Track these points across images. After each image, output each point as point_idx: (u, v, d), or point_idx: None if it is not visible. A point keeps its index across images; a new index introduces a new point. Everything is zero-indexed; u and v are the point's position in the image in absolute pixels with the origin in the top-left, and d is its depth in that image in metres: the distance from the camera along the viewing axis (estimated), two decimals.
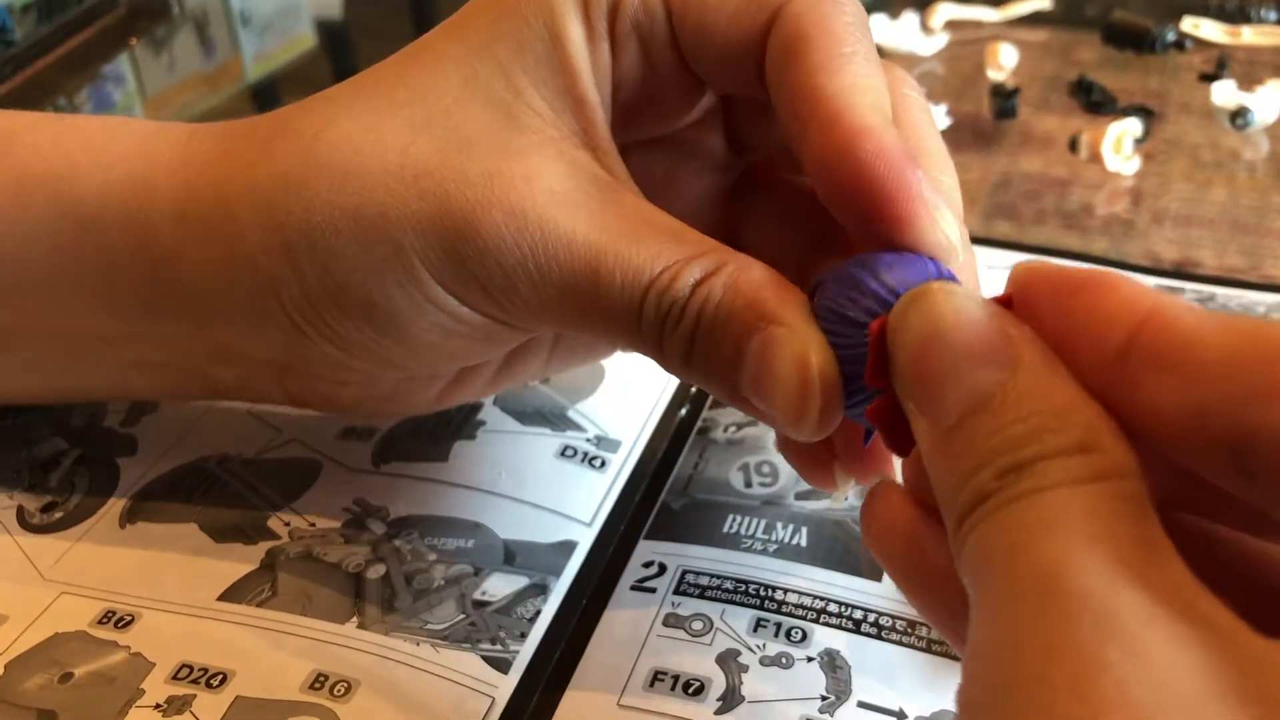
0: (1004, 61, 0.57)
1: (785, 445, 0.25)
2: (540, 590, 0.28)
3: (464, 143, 0.23)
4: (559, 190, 0.23)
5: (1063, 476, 0.16)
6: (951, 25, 0.63)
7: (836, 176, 0.21)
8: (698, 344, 0.22)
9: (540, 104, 0.24)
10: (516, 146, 0.23)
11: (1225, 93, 0.55)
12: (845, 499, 0.28)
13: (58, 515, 0.31)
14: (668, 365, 0.23)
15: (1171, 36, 0.61)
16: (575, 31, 0.24)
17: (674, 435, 0.33)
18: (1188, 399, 0.16)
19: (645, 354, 0.24)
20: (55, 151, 0.27)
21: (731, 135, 0.28)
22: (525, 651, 0.27)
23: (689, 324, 0.22)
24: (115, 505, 0.31)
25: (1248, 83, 0.56)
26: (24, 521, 0.31)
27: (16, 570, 0.29)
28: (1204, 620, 0.14)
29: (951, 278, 0.20)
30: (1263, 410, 0.15)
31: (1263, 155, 0.53)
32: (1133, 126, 0.52)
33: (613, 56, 0.25)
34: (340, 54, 1.29)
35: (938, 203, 0.21)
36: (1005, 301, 0.18)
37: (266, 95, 1.06)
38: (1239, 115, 0.54)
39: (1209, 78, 0.57)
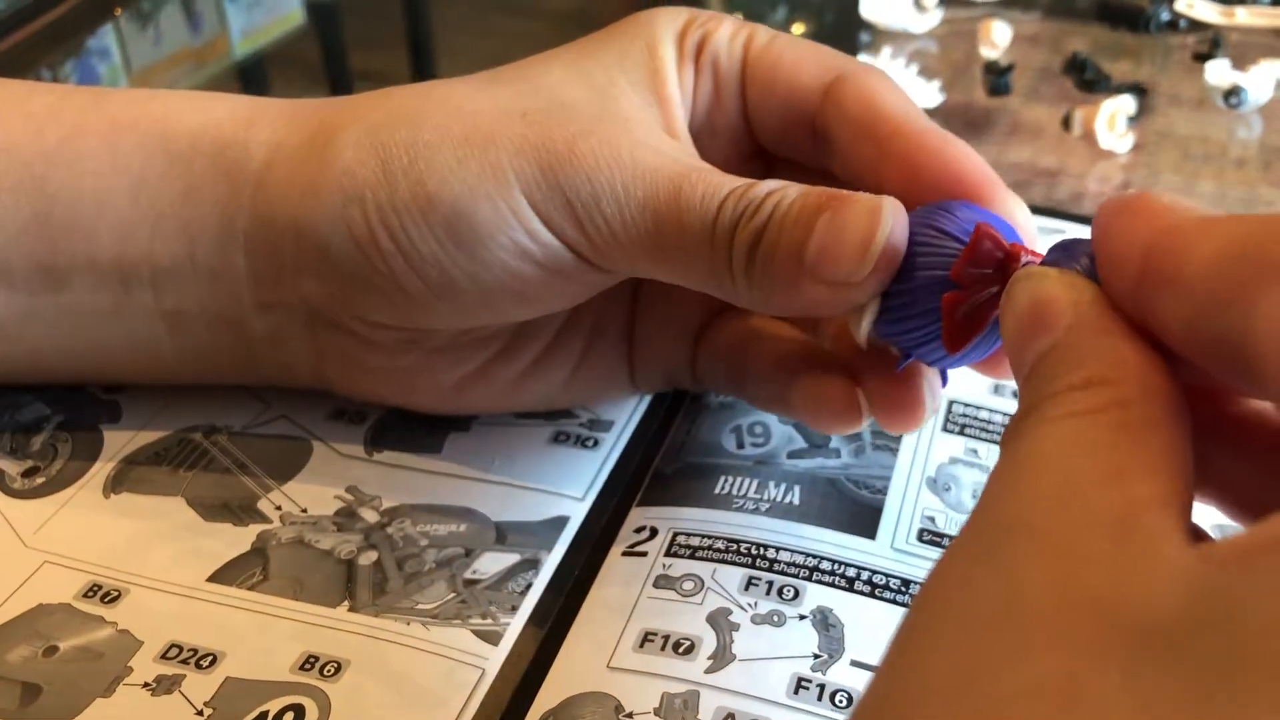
0: (997, 39, 0.57)
1: (806, 391, 0.27)
2: (532, 565, 0.28)
3: (566, 103, 0.27)
4: (645, 136, 0.26)
5: (1063, 410, 0.17)
6: (945, 2, 0.62)
7: (928, 173, 0.25)
8: (768, 233, 0.24)
9: (632, 95, 0.27)
10: (610, 111, 0.27)
11: (1219, 72, 0.55)
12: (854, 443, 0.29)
13: (40, 481, 0.31)
14: (731, 269, 0.25)
15: (1165, 16, 0.61)
16: (669, 50, 0.28)
17: (668, 408, 0.33)
18: (1180, 314, 0.17)
19: (708, 272, 0.25)
20: (152, 102, 0.30)
21: None
22: (516, 624, 0.27)
23: (761, 218, 0.24)
24: (100, 472, 0.31)
25: (1241, 63, 0.56)
26: (4, 486, 0.30)
27: None
28: (1131, 533, 0.15)
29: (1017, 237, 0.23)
30: (1244, 313, 0.15)
31: (1255, 135, 0.52)
32: (1126, 104, 0.52)
33: (695, 84, 0.28)
34: (330, 32, 1.28)
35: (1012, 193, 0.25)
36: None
37: (254, 73, 1.05)
38: (1233, 94, 0.53)
39: (1203, 57, 0.57)
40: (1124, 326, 0.18)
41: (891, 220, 0.23)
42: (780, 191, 0.25)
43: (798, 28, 0.66)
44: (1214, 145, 0.52)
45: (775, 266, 0.24)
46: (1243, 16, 0.62)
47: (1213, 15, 0.62)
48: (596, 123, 0.26)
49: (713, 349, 0.31)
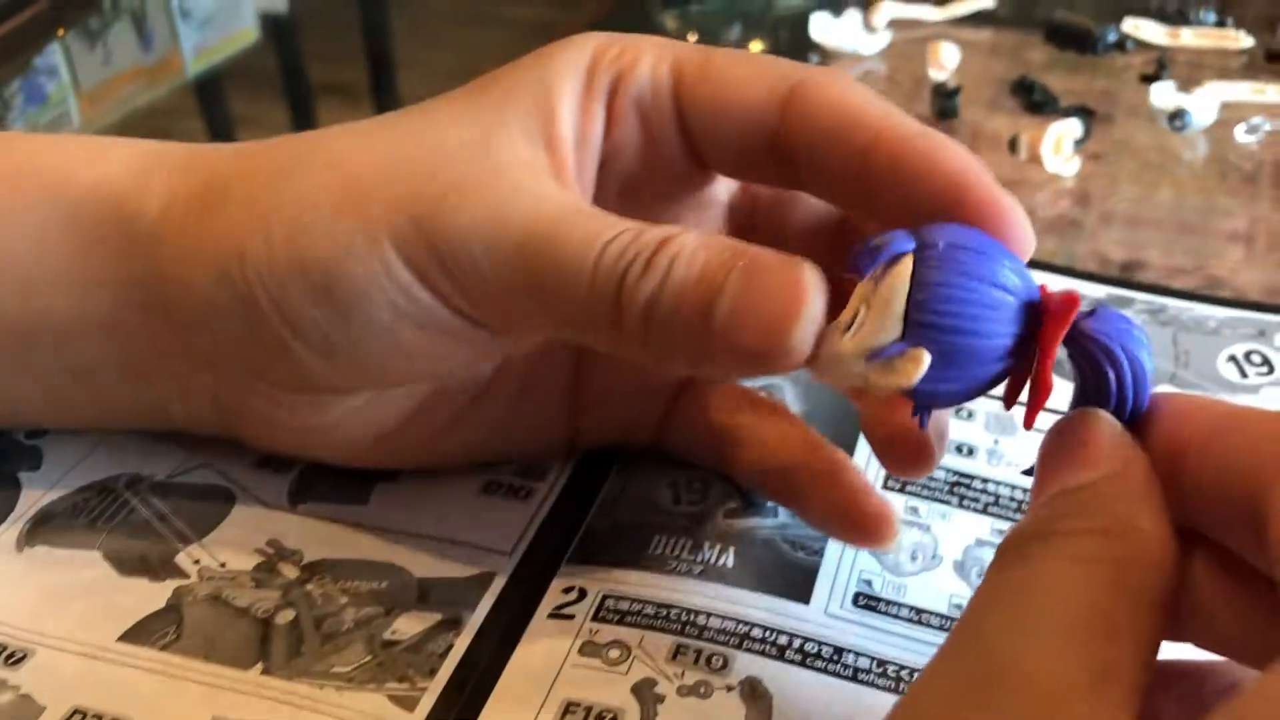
0: (945, 61, 0.57)
1: (825, 505, 0.27)
2: (453, 625, 0.27)
3: (446, 147, 0.25)
4: (525, 182, 0.24)
5: (1078, 551, 0.18)
6: (894, 24, 0.62)
7: (919, 186, 0.23)
8: (665, 293, 0.22)
9: (519, 137, 0.25)
10: (492, 154, 0.25)
11: (1164, 94, 0.55)
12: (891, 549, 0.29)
13: None
14: (622, 330, 0.23)
15: (1113, 37, 0.61)
16: (569, 87, 0.25)
17: (603, 458, 0.32)
18: (1214, 487, 0.19)
19: (594, 329, 0.23)
20: (53, 153, 0.29)
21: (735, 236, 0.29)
22: (434, 689, 0.26)
23: (655, 276, 0.22)
24: (14, 525, 0.30)
25: (1188, 84, 0.56)
26: None
27: None
28: (1103, 697, 0.16)
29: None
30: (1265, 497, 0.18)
31: (1200, 158, 0.52)
32: (1072, 128, 0.52)
33: (609, 125, 0.26)
34: (287, 47, 1.26)
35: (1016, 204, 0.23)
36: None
37: (210, 90, 1.03)
38: (1177, 117, 0.54)
39: (1149, 79, 0.57)
40: (1159, 500, 0.19)
41: (814, 289, 0.21)
42: (676, 242, 0.22)
43: (755, 45, 0.66)
44: (1170, 153, 0.52)
45: (677, 333, 0.22)
46: (1188, 38, 0.62)
47: (1159, 36, 0.62)
48: (473, 170, 0.24)
49: (692, 419, 0.30)
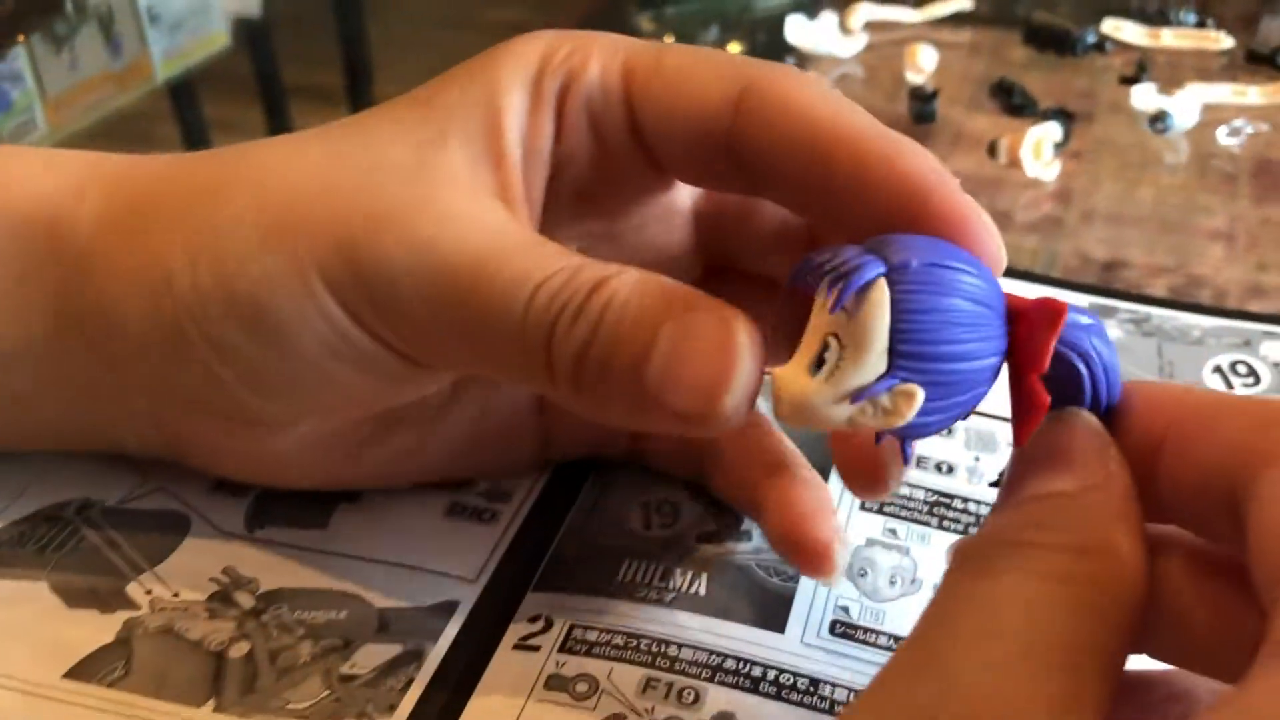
0: (923, 63, 0.56)
1: (783, 524, 0.26)
2: (415, 657, 0.26)
3: (378, 170, 0.23)
4: (457, 209, 0.23)
5: (1048, 567, 0.17)
6: (871, 26, 0.61)
7: (879, 194, 0.21)
8: (597, 345, 0.21)
9: (459, 152, 0.23)
10: (426, 177, 0.23)
11: (1145, 96, 0.54)
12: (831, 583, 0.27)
13: None
14: (554, 379, 0.21)
15: (1092, 38, 0.60)
16: (515, 98, 0.24)
17: (573, 476, 0.31)
18: (1192, 478, 0.19)
19: (525, 374, 0.22)
20: None
21: (700, 244, 0.28)
22: None
23: (587, 324, 0.21)
24: None
25: (1169, 85, 0.55)
26: None
27: None
28: None
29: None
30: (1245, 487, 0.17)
31: (1183, 160, 0.52)
32: (1052, 131, 0.51)
33: (560, 132, 0.24)
34: (261, 51, 1.25)
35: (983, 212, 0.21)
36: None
37: (184, 94, 1.01)
38: (1158, 119, 0.53)
39: (1129, 80, 0.57)
40: (1138, 517, 0.18)
41: (746, 354, 0.20)
42: (609, 287, 0.21)
43: (734, 47, 0.65)
44: (1151, 152, 0.52)
45: (611, 388, 0.21)
46: (1168, 39, 0.61)
47: (1139, 37, 0.61)
48: (404, 196, 0.23)
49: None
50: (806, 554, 0.26)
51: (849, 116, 0.22)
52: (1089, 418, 0.20)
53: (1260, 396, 0.32)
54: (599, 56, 0.24)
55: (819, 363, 0.19)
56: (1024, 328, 0.20)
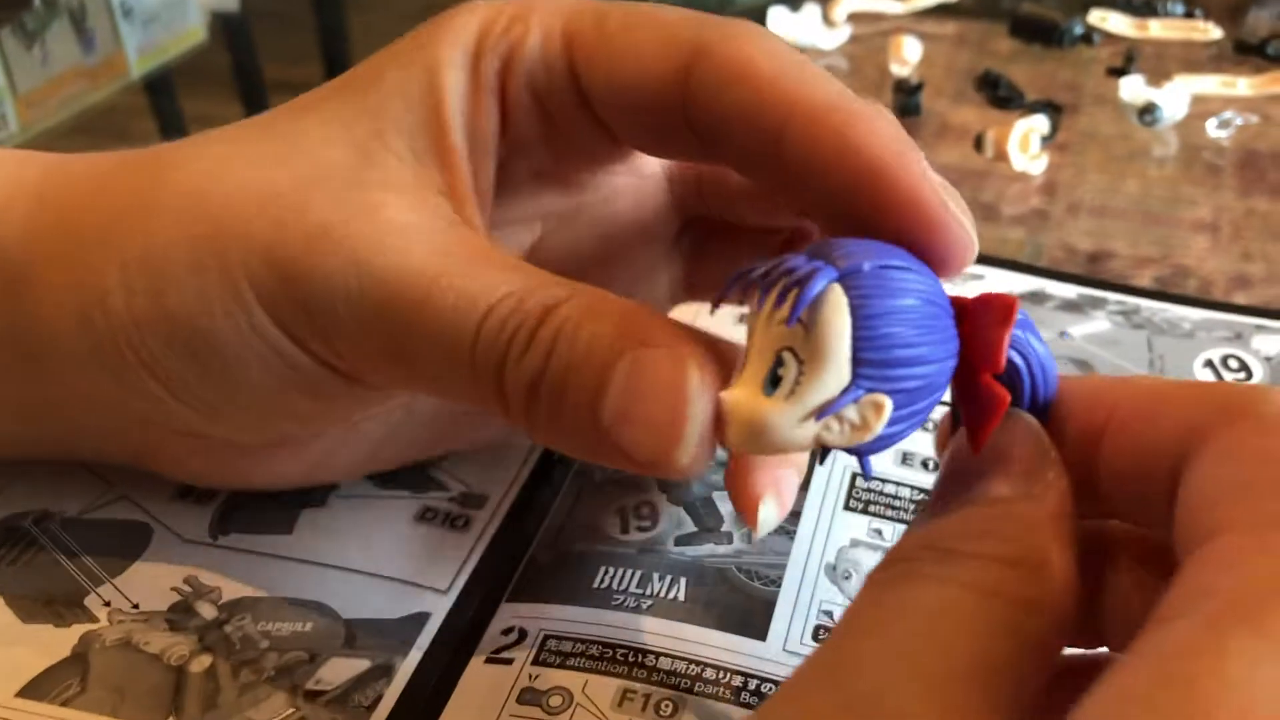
0: (908, 55, 0.55)
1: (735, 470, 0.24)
2: (384, 672, 0.25)
3: (316, 176, 0.22)
4: (400, 221, 0.21)
5: (968, 578, 0.16)
6: (855, 18, 0.60)
7: (834, 173, 0.19)
8: (549, 376, 0.19)
9: (402, 148, 0.22)
10: (368, 181, 0.22)
11: (1133, 88, 0.53)
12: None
13: None
14: (508, 410, 0.20)
15: (1079, 30, 0.59)
16: (455, 83, 0.22)
17: (548, 482, 0.30)
18: (1125, 464, 0.18)
19: (477, 402, 0.21)
20: None
21: (677, 203, 0.27)
22: None
23: (539, 353, 0.19)
24: None
25: (1156, 77, 0.54)
26: None
27: None
28: None
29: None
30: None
31: (1171, 152, 0.51)
32: (1039, 124, 0.50)
33: (505, 115, 0.23)
34: (240, 46, 1.23)
35: (949, 190, 0.19)
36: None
37: (160, 90, 1.00)
38: (1147, 112, 0.52)
39: (1117, 72, 0.56)
40: (1073, 531, 0.17)
41: (697, 396, 0.18)
42: (560, 314, 0.20)
43: None
44: (1136, 144, 0.51)
45: (565, 423, 0.20)
46: (1156, 30, 0.60)
47: (1126, 28, 0.61)
48: (341, 205, 0.21)
49: None
50: (736, 501, 0.24)
51: (806, 85, 0.20)
52: (1029, 420, 0.19)
53: (1197, 380, 0.31)
54: (538, 26, 0.22)
55: (774, 381, 0.18)
56: (969, 325, 0.19)
